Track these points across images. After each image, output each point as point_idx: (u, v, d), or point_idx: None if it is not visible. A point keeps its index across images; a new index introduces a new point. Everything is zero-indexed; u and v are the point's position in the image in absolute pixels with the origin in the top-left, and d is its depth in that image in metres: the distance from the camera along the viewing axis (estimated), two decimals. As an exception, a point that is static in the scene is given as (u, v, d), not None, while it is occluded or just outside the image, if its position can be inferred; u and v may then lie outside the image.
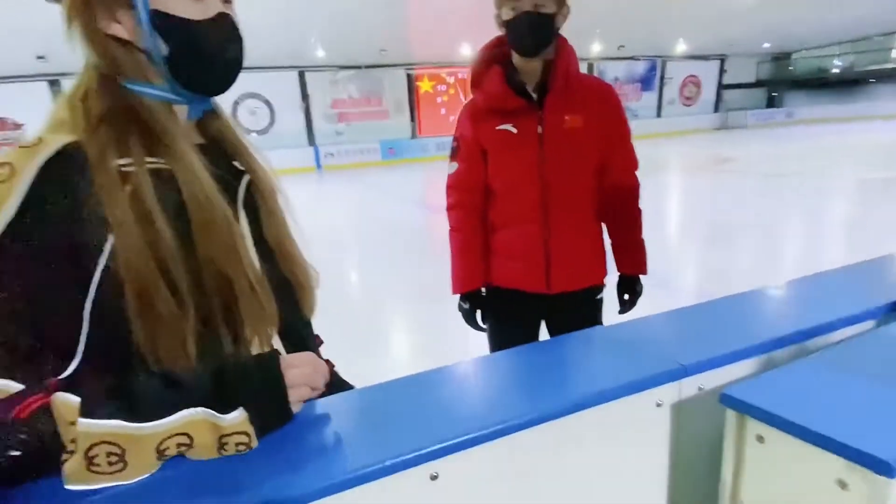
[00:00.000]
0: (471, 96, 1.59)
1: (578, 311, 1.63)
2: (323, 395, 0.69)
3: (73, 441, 0.51)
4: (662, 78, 22.66)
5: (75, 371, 0.58)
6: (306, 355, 0.66)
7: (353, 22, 12.58)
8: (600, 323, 1.67)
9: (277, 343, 0.75)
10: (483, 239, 1.63)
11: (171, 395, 0.56)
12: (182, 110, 0.72)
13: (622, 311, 1.68)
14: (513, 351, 0.87)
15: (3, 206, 0.55)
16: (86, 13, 0.64)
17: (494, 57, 1.51)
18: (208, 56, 0.69)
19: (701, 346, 0.78)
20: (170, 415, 0.54)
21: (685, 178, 11.52)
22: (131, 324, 0.60)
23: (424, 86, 18.93)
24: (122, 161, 0.62)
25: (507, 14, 1.40)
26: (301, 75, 17.31)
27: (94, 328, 0.60)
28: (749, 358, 0.78)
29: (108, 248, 0.60)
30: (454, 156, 1.63)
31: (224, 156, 0.77)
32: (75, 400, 0.52)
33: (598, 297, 1.67)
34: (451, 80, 19.17)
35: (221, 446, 0.57)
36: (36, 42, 11.03)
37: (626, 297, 1.68)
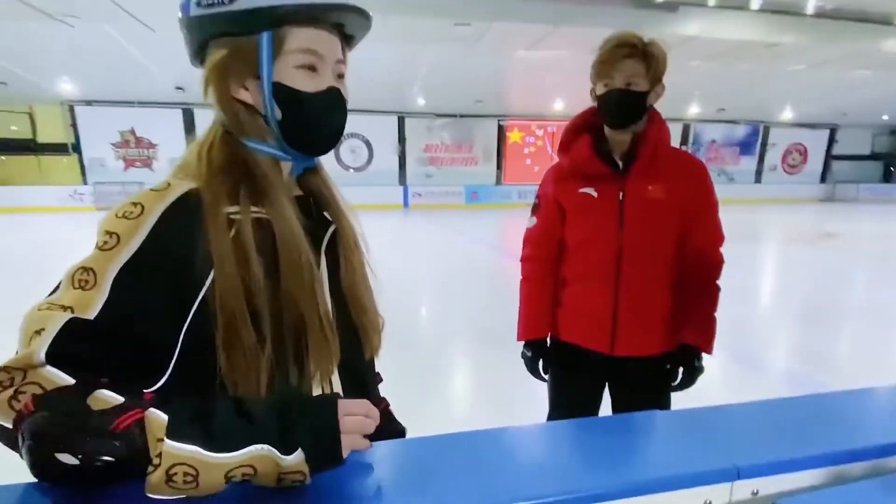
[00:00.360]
0: (556, 159, 1.66)
1: (643, 378, 1.60)
2: (374, 434, 0.71)
3: (158, 456, 0.55)
4: (765, 144, 21.59)
5: (162, 385, 0.67)
6: (362, 404, 0.67)
7: (454, 74, 13.28)
8: (666, 395, 1.61)
9: (336, 379, 0.81)
10: (553, 291, 1.66)
11: (242, 429, 0.60)
12: (287, 166, 0.83)
13: (677, 388, 1.58)
14: (567, 423, 0.84)
15: (131, 239, 0.66)
16: (222, 80, 0.75)
17: (586, 125, 1.56)
18: (315, 124, 0.78)
19: (763, 447, 0.72)
20: (240, 448, 0.59)
21: (784, 249, 10.74)
22: (217, 350, 0.69)
23: (514, 136, 19.38)
24: (231, 209, 0.72)
25: (601, 89, 1.45)
26: (400, 120, 18.43)
27: (185, 351, 0.68)
28: (816, 468, 0.71)
29: (208, 281, 0.68)
30: (535, 211, 1.68)
31: (317, 207, 0.87)
32: (164, 418, 0.57)
33: (666, 367, 1.60)
34: (540, 132, 19.50)
35: (280, 480, 0.61)
36: (177, 74, 12.69)
37: (684, 371, 1.56)
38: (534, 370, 1.71)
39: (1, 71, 12.93)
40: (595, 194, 1.51)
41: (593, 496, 0.63)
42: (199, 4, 0.72)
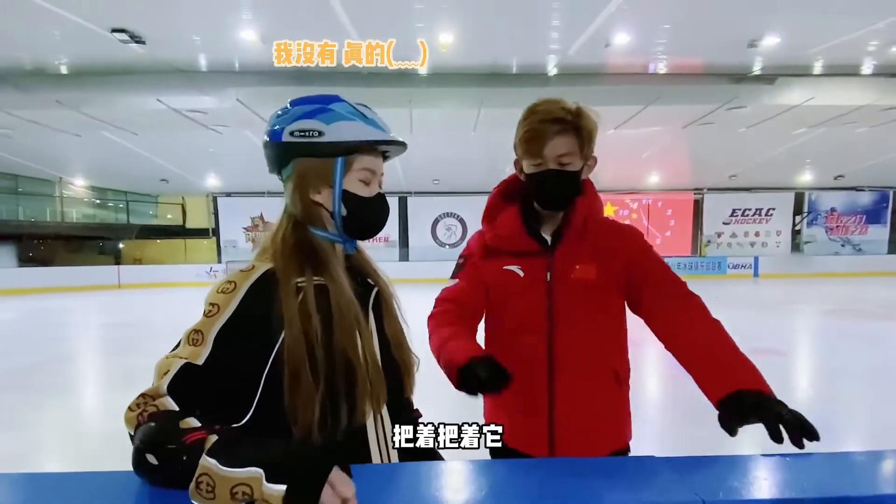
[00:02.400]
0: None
1: None
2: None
3: (200, 467, 0.66)
4: (896, 211, 19.26)
5: (246, 422, 0.84)
6: (350, 488, 0.65)
7: (544, 154, 13.64)
8: None
9: (386, 414, 0.99)
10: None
11: (251, 454, 0.66)
12: (340, 247, 1.05)
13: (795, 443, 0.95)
14: (531, 463, 0.90)
15: (225, 309, 0.86)
16: (304, 186, 0.99)
17: (513, 193, 1.40)
18: (369, 219, 1.04)
19: (734, 492, 0.73)
20: (244, 467, 0.64)
21: None
22: (284, 392, 0.86)
23: (607, 210, 18.92)
24: (299, 280, 0.92)
25: (529, 168, 1.30)
26: (493, 198, 18.98)
27: (265, 393, 0.86)
28: None
29: (281, 337, 0.86)
30: (458, 272, 1.42)
31: (362, 276, 1.07)
32: (213, 438, 0.69)
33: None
34: (635, 205, 19.07)
35: None
36: (394, 167, 14.23)
37: (770, 421, 0.97)
38: (491, 382, 1.05)
39: (165, 171, 15.48)
40: (521, 273, 1.33)
41: None
42: (292, 134, 0.96)
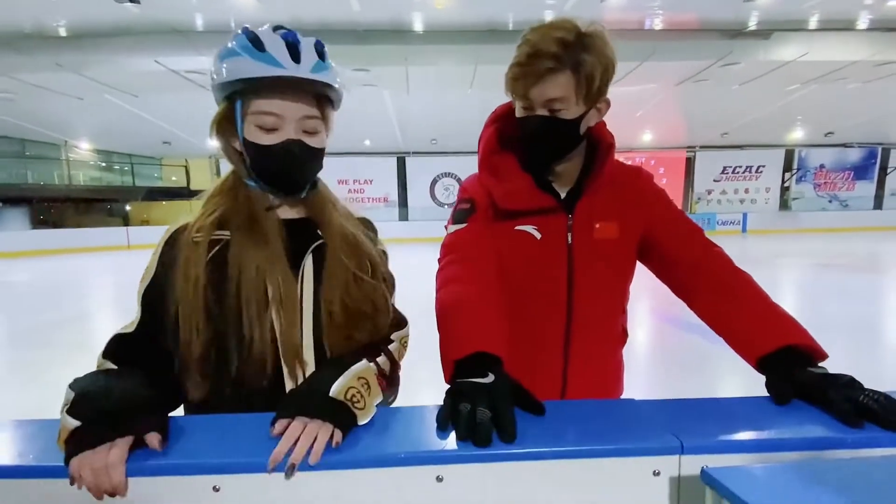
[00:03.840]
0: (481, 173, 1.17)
1: None
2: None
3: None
4: (885, 167, 19.12)
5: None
6: (117, 460, 0.65)
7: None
8: None
9: (310, 354, 0.90)
10: (498, 301, 1.01)
11: (86, 383, 0.75)
12: (275, 199, 0.95)
13: (847, 413, 0.76)
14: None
15: (149, 270, 0.92)
16: (219, 134, 0.92)
17: (510, 130, 1.11)
18: (270, 168, 0.90)
19: (711, 433, 0.74)
20: (69, 393, 0.73)
21: None
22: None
23: (602, 169, 18.96)
24: (210, 236, 0.89)
25: (518, 110, 1.04)
26: (490, 158, 18.81)
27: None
28: (756, 452, 0.71)
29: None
30: (466, 217, 1.12)
31: (313, 225, 0.96)
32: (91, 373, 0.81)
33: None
34: (629, 163, 18.86)
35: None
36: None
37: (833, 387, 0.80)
38: (497, 418, 0.72)
39: (166, 133, 15.24)
40: (538, 235, 1.09)
41: (550, 454, 0.69)
42: (213, 88, 0.90)
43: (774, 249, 12.94)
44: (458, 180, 18.71)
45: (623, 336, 1.25)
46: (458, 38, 9.04)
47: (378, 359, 0.88)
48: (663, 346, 4.88)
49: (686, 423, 0.76)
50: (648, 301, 6.12)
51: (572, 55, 0.94)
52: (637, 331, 5.40)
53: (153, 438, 0.68)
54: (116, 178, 19.52)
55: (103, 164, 19.22)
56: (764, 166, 19.26)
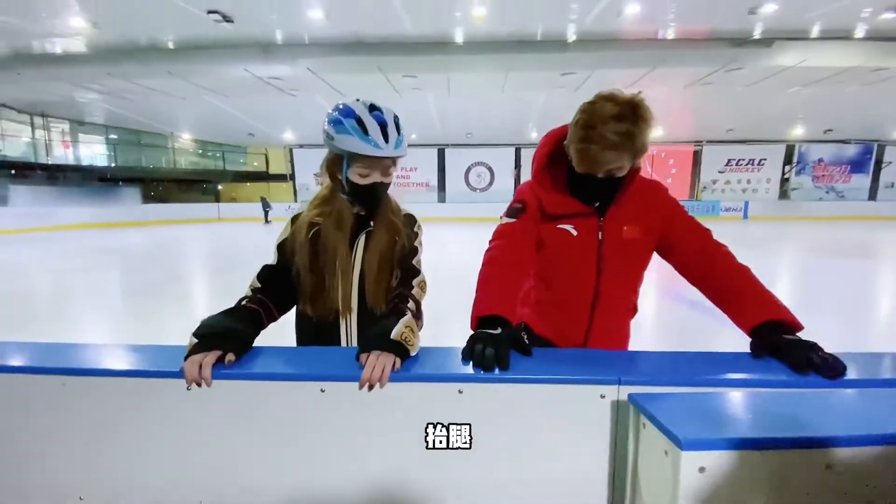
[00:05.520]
0: (655, 177, 1.31)
1: None
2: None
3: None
4: (880, 162, 17.94)
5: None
6: (207, 362, 0.88)
7: (562, 112, 13.19)
8: None
9: (354, 318, 1.21)
10: (519, 283, 1.21)
11: (213, 318, 0.98)
12: (353, 207, 1.22)
13: (798, 365, 0.89)
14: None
15: (283, 234, 1.22)
16: (329, 167, 1.21)
17: (562, 155, 1.22)
18: (359, 198, 1.20)
19: (644, 372, 0.87)
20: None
21: None
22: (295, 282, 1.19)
23: (616, 161, 18.53)
24: (313, 219, 1.19)
25: (578, 165, 1.13)
26: (517, 150, 18.71)
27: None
28: (674, 386, 0.81)
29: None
30: (517, 214, 1.26)
31: (371, 220, 1.23)
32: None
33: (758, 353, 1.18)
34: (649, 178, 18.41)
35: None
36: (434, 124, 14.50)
37: (805, 355, 0.90)
38: (497, 356, 0.91)
39: (250, 126, 15.93)
40: (575, 232, 1.23)
41: (544, 379, 0.86)
42: (324, 131, 1.14)
43: (773, 235, 12.48)
44: (489, 168, 18.79)
45: (633, 310, 1.37)
46: (493, 49, 9.07)
47: (409, 306, 1.08)
48: (661, 317, 5.01)
49: (629, 365, 0.92)
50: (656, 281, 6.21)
51: (629, 143, 1.05)
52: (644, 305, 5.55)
53: (229, 356, 0.90)
54: (210, 163, 20.45)
55: (200, 152, 20.14)
56: (766, 159, 18.39)
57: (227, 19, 7.95)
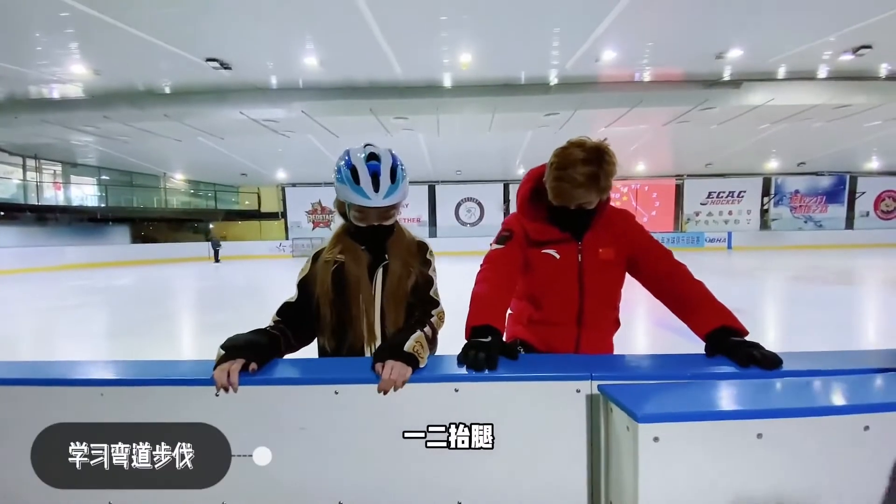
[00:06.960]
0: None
1: None
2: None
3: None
4: (853, 192, 18.75)
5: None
6: (233, 370, 0.98)
7: (547, 149, 13.69)
8: None
9: (378, 330, 1.27)
10: (507, 302, 1.34)
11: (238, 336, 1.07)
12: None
13: (742, 361, 1.05)
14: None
15: (304, 270, 1.30)
16: (338, 208, 1.32)
17: (543, 191, 1.37)
18: (360, 238, 1.29)
19: (615, 367, 1.01)
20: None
21: (877, 291, 8.73)
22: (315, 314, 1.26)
23: (602, 195, 19.09)
24: (334, 256, 1.27)
25: (553, 198, 1.31)
26: (505, 186, 19.28)
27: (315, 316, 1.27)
28: (639, 380, 0.93)
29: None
30: (504, 241, 1.42)
31: (385, 254, 1.30)
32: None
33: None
34: (625, 189, 19.08)
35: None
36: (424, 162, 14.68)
37: (745, 353, 1.05)
38: (487, 358, 1.05)
39: (244, 166, 16.23)
40: (558, 256, 1.40)
41: (527, 377, 0.98)
42: (335, 181, 1.24)
43: (757, 264, 12.82)
44: (479, 203, 19.24)
45: (616, 323, 1.52)
46: (479, 92, 9.54)
47: (425, 329, 1.18)
48: (644, 334, 5.19)
49: (600, 364, 1.06)
50: (644, 308, 6.36)
51: (595, 183, 1.24)
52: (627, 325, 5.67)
53: (251, 366, 1.00)
54: (202, 202, 20.61)
55: (192, 191, 20.34)
56: (745, 191, 19.13)
57: (224, 66, 8.32)
